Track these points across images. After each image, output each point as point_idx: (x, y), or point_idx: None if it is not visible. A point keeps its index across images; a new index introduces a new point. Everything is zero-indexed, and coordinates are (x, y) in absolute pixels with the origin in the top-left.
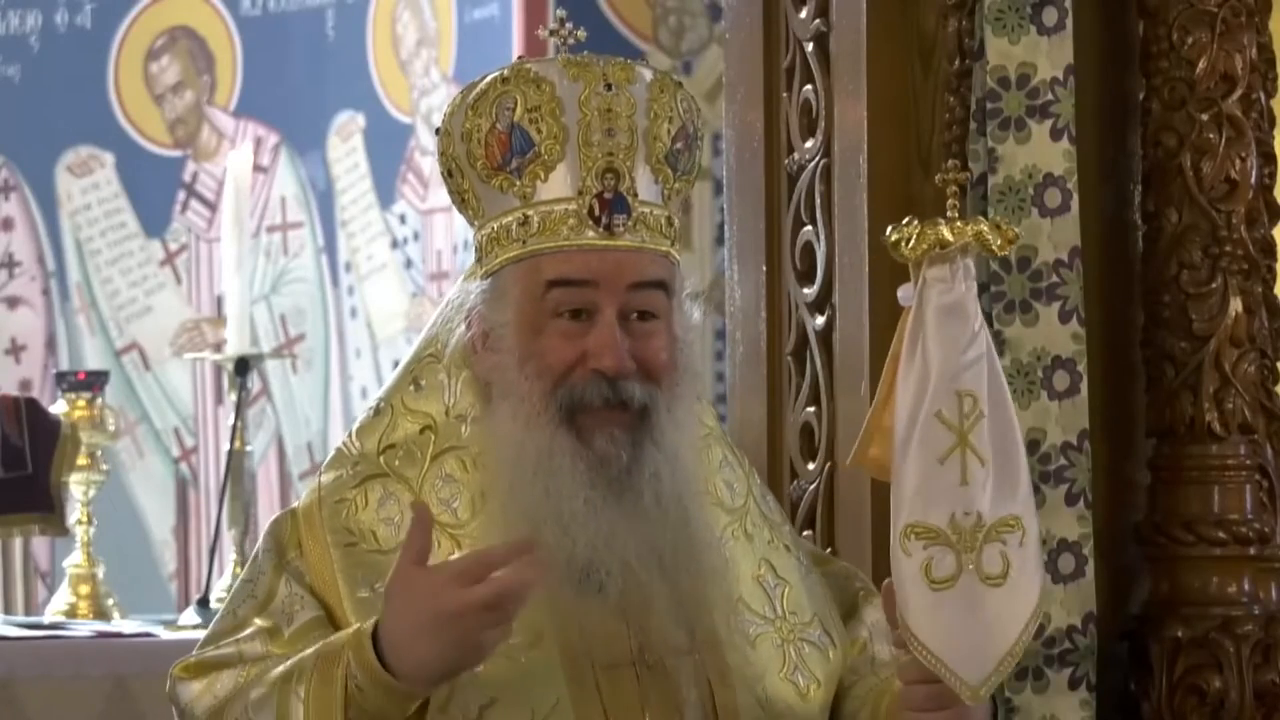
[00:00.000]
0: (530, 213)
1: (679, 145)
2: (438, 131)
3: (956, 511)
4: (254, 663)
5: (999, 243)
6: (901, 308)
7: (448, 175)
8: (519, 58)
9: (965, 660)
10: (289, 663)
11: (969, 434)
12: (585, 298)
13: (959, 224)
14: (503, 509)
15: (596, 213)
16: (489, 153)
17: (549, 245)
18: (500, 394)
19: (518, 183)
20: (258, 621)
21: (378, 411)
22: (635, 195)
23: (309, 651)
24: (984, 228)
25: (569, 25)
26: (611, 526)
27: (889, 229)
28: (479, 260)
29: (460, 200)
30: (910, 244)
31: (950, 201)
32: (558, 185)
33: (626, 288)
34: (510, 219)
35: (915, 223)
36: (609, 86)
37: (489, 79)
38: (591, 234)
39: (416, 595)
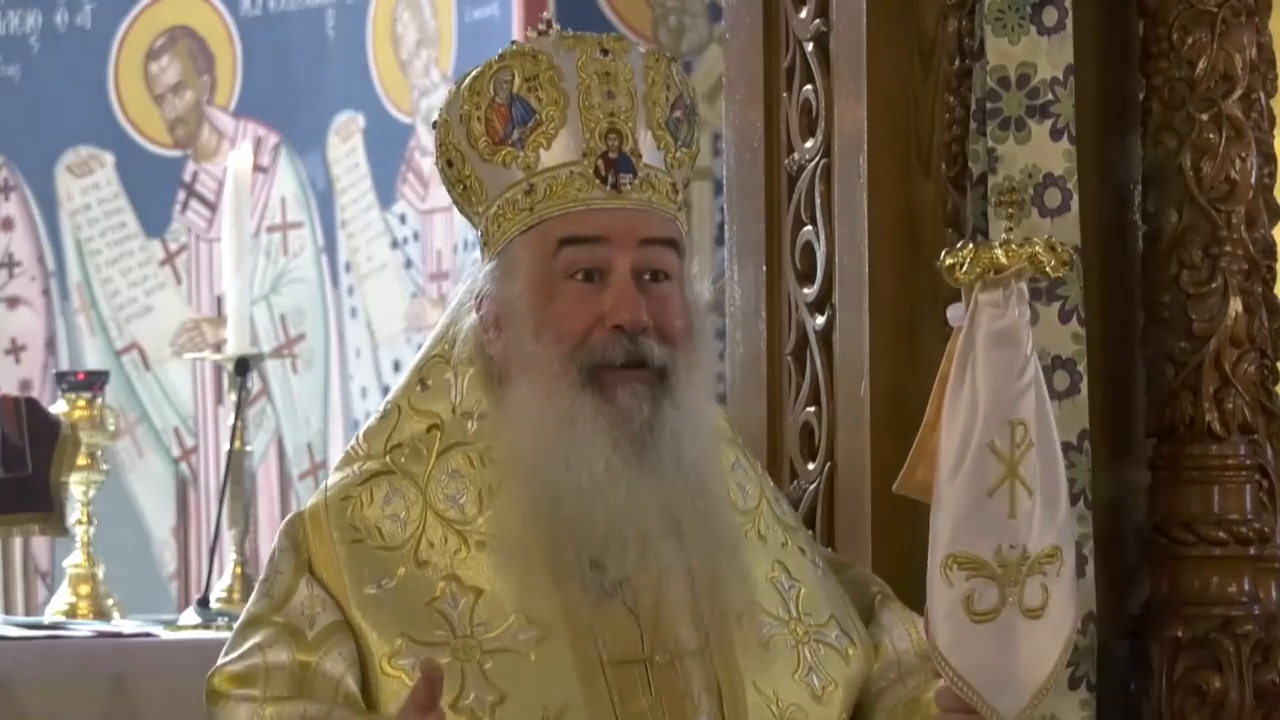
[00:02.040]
0: (535, 181)
1: (678, 114)
2: (434, 125)
3: (1003, 544)
4: (278, 700)
5: (1053, 264)
6: (952, 328)
7: (447, 165)
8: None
9: (1000, 692)
10: None
11: (1019, 464)
12: (597, 255)
13: (1014, 247)
14: (524, 484)
15: (603, 172)
16: (489, 128)
17: (557, 209)
18: (518, 369)
19: (520, 154)
20: (276, 620)
21: (384, 415)
22: (639, 157)
23: None
24: (1039, 250)
25: (556, 27)
26: (631, 491)
27: (943, 253)
28: (485, 245)
29: (463, 190)
30: (964, 268)
31: (1006, 224)
32: (561, 150)
33: (638, 243)
34: (515, 190)
35: (969, 246)
36: (605, 53)
37: (483, 64)
38: (599, 193)
39: None
